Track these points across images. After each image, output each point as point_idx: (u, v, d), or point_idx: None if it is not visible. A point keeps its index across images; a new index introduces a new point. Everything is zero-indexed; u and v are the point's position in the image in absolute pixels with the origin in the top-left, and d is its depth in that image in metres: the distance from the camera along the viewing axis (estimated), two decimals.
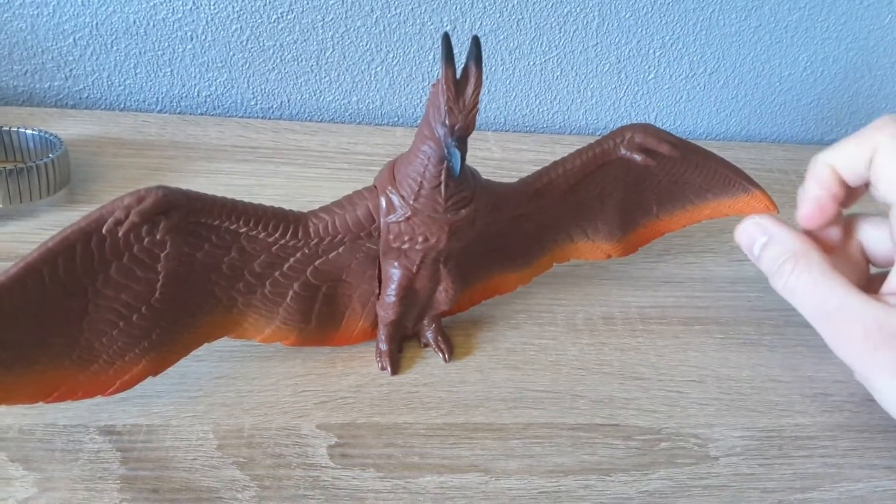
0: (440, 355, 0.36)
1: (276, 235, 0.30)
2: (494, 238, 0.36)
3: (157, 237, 0.28)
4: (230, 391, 0.33)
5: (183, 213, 0.28)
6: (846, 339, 0.30)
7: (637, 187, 0.39)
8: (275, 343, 0.34)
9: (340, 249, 0.32)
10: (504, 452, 0.32)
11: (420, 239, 0.31)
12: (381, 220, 0.31)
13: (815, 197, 0.34)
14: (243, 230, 0.30)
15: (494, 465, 0.31)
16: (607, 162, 0.36)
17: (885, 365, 0.30)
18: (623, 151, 0.36)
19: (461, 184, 0.30)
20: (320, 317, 0.34)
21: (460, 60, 0.28)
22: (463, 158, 0.29)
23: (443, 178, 0.30)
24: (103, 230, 0.27)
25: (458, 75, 0.28)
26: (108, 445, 0.30)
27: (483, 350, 0.37)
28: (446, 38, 0.27)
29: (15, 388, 0.28)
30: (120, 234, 0.27)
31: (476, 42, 0.28)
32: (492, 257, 0.37)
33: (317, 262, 0.32)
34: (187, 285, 0.30)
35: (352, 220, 0.31)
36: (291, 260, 0.32)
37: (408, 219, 0.31)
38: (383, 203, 0.31)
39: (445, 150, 0.28)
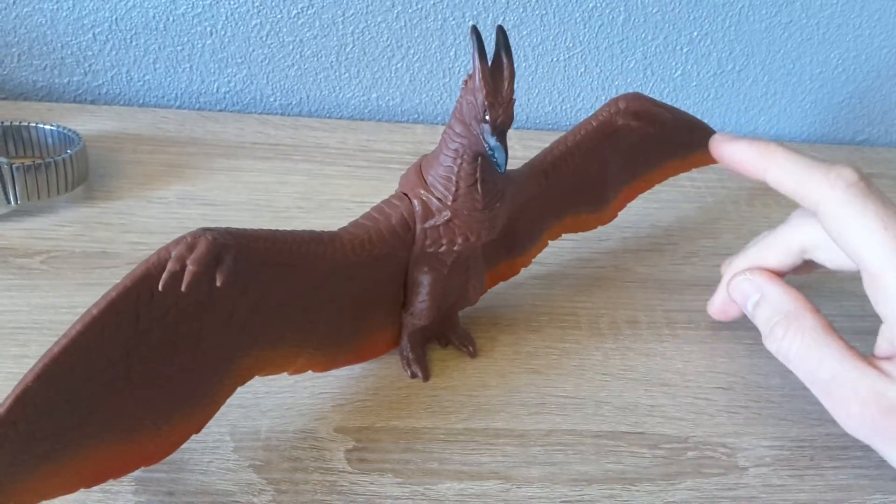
0: (467, 349, 0.36)
1: (314, 261, 0.28)
2: (505, 226, 0.35)
3: (216, 283, 0.25)
4: (247, 393, 0.32)
5: (233, 254, 0.26)
6: (845, 410, 0.30)
7: (629, 154, 0.39)
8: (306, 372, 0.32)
9: (374, 263, 0.30)
10: (525, 460, 0.31)
11: (460, 240, 0.31)
12: (418, 226, 0.30)
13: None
14: (283, 262, 0.28)
15: (515, 472, 0.30)
16: (608, 133, 0.36)
17: (886, 436, 0.29)
18: (621, 121, 0.36)
19: (494, 178, 0.30)
20: (350, 336, 0.32)
21: (488, 54, 0.27)
22: (505, 152, 0.28)
23: (478, 174, 0.29)
24: (160, 286, 0.24)
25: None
26: None
27: (504, 354, 0.37)
28: (476, 32, 0.26)
29: (58, 480, 0.24)
30: (182, 287, 0.24)
31: (502, 31, 0.27)
32: (499, 245, 0.36)
33: (348, 280, 0.30)
34: (226, 330, 0.27)
35: (388, 231, 0.30)
36: (325, 283, 0.30)
37: (448, 221, 0.30)
38: (418, 207, 0.30)
39: (487, 147, 0.27)
